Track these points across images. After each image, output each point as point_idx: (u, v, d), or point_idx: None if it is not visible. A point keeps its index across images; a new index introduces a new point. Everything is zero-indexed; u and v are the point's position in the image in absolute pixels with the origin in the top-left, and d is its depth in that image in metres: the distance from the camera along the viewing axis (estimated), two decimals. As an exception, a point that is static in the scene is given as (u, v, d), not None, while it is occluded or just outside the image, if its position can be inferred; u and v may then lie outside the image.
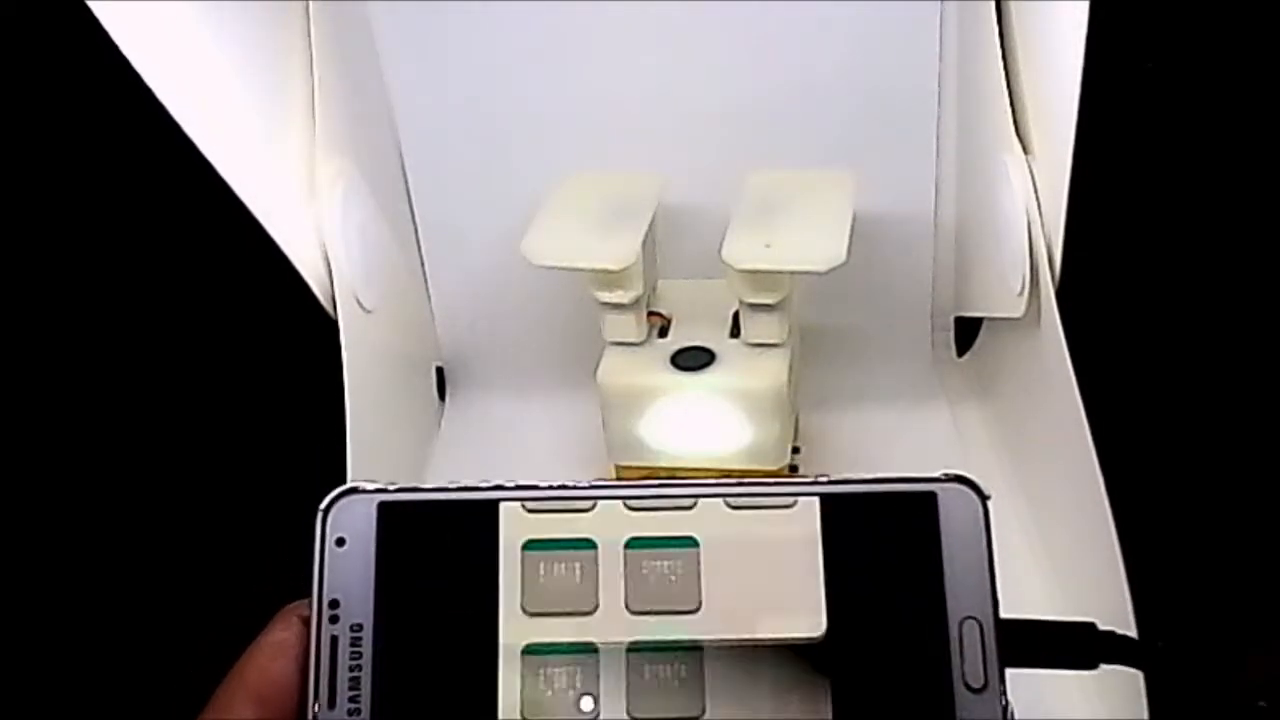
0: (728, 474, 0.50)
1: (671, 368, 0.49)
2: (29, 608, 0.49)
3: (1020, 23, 0.48)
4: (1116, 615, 0.39)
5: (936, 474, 0.29)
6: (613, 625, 0.29)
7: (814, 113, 0.54)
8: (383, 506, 0.29)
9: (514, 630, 0.29)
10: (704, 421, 0.49)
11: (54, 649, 0.48)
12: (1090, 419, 0.41)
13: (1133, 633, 0.38)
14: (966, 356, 0.61)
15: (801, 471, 0.55)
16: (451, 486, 0.30)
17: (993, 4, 0.48)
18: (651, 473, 0.52)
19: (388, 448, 0.52)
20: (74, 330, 0.53)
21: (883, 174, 0.54)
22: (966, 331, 0.60)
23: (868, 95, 0.53)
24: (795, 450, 0.54)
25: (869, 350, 0.60)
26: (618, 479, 0.53)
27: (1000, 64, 0.48)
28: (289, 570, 0.50)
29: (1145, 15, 0.46)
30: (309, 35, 0.48)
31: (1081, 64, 0.39)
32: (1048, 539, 0.49)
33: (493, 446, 0.59)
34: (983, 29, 0.49)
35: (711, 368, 0.49)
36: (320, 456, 0.44)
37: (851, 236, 0.46)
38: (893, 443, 0.57)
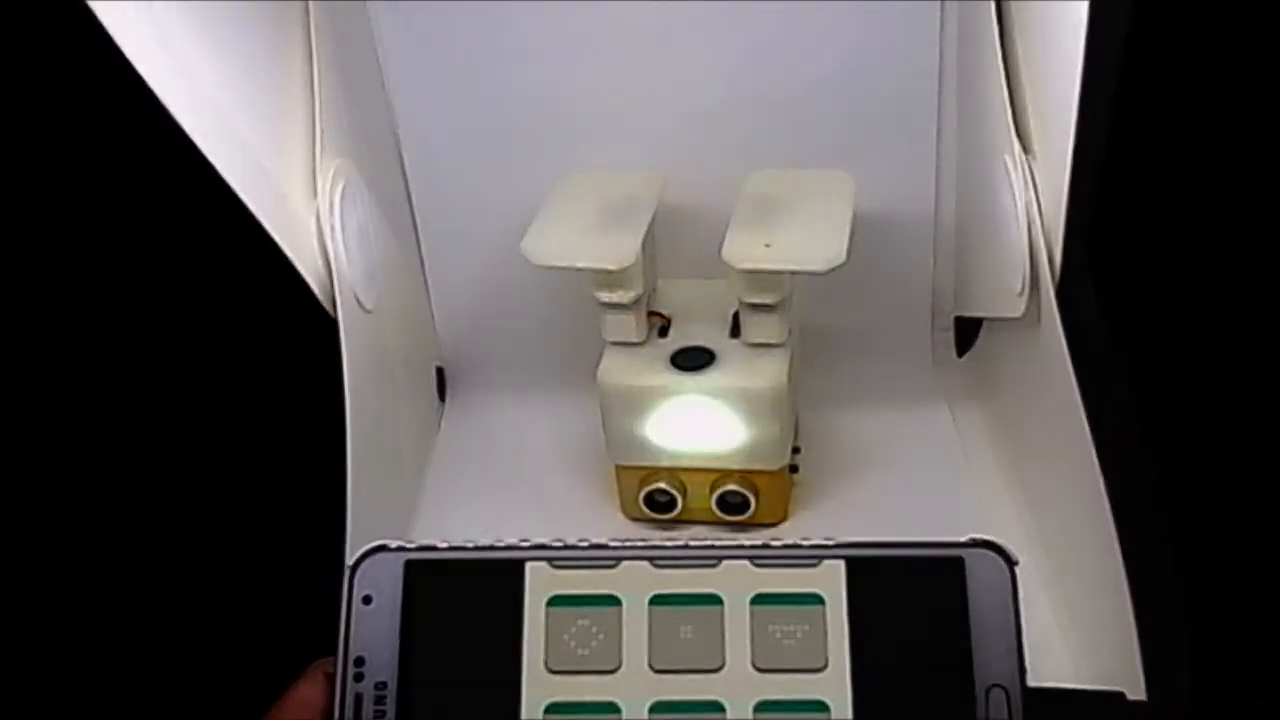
0: (736, 476, 0.51)
1: (671, 368, 0.49)
2: (28, 608, 0.49)
3: (1020, 23, 0.47)
4: (1117, 615, 0.39)
5: (964, 539, 0.29)
6: (635, 684, 0.29)
7: (814, 113, 0.54)
8: (409, 565, 0.29)
9: (537, 689, 0.29)
10: (704, 421, 0.49)
11: (52, 650, 0.48)
12: (1090, 419, 0.41)
13: (1131, 628, 0.38)
14: (966, 356, 0.61)
15: (801, 472, 0.55)
16: (474, 545, 0.30)
17: (993, 4, 0.48)
18: (651, 472, 0.52)
19: (388, 448, 0.52)
20: (75, 330, 0.53)
21: (883, 174, 0.54)
22: (966, 331, 0.60)
23: (868, 95, 0.53)
24: (795, 450, 0.54)
25: (869, 350, 0.60)
26: (618, 479, 0.53)
27: (1000, 64, 0.48)
28: (288, 570, 0.50)
29: (1144, 16, 0.46)
30: (309, 35, 0.48)
31: (1081, 64, 0.39)
32: (1047, 539, 0.49)
33: (493, 446, 0.59)
34: (983, 29, 0.49)
35: (711, 368, 0.49)
36: (320, 456, 0.44)
37: (851, 236, 0.46)
38: (893, 443, 0.57)
